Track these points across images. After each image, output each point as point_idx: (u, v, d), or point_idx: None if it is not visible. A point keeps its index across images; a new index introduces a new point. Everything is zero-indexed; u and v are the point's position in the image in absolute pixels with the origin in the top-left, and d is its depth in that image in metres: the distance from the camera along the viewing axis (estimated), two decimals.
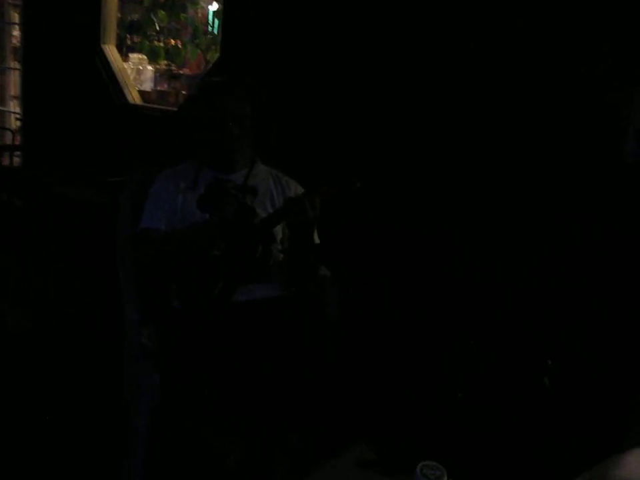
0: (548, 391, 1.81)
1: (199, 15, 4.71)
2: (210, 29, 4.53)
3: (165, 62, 5.00)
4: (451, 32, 2.55)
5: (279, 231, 2.07)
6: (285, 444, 1.70)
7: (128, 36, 4.71)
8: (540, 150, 2.37)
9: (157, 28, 4.70)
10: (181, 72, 5.04)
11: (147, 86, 4.62)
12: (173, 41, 4.66)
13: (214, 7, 4.57)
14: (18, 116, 5.35)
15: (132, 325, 1.92)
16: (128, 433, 1.91)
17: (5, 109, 5.73)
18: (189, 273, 1.91)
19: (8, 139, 5.53)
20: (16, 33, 5.74)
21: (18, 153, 4.99)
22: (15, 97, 5.66)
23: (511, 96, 2.44)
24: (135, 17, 4.83)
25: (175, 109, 4.11)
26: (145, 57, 4.76)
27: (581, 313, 2.10)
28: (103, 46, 4.26)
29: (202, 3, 4.69)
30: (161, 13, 4.65)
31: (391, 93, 2.76)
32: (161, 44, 4.64)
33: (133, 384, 1.92)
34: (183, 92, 4.45)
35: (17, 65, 5.70)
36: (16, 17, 5.68)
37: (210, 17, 4.46)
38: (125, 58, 4.62)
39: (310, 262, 2.07)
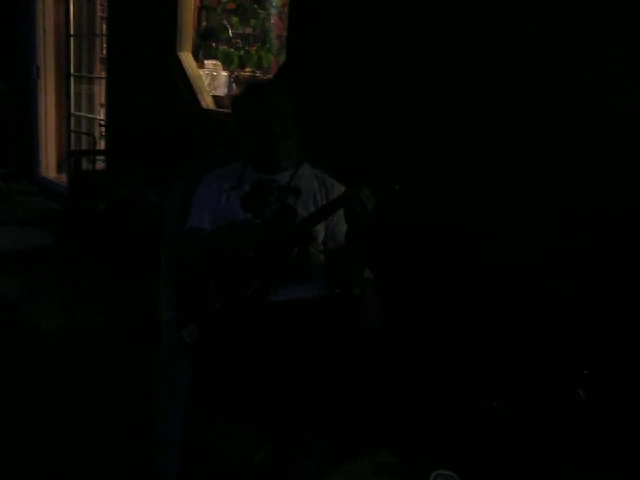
0: (583, 403, 1.70)
1: (271, 20, 4.76)
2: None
3: (249, 69, 5.10)
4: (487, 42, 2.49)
5: (320, 231, 2.06)
6: (310, 445, 1.69)
7: (203, 42, 4.83)
8: (552, 154, 2.29)
9: (230, 34, 4.80)
10: (264, 78, 5.12)
11: (221, 91, 4.72)
12: (246, 47, 4.74)
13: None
14: (102, 122, 5.59)
15: (169, 323, 1.95)
16: (162, 428, 1.94)
17: (93, 116, 6.00)
18: (225, 271, 1.93)
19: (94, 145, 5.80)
20: (105, 44, 6.00)
21: (100, 157, 5.21)
22: (102, 105, 5.92)
23: (524, 103, 2.37)
24: (210, 24, 4.95)
25: None
26: (219, 63, 4.87)
27: (619, 320, 1.97)
28: (179, 53, 4.38)
29: (273, 9, 4.76)
30: (234, 19, 4.75)
31: (432, 103, 2.73)
32: (235, 50, 4.72)
33: (168, 381, 1.95)
34: None
35: (104, 75, 5.96)
36: (105, 29, 5.94)
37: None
38: (201, 64, 4.73)
39: (362, 261, 2.05)
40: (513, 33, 2.38)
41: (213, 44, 4.98)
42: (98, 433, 2.36)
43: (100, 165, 5.22)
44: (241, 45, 5.01)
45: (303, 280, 1.97)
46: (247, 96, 2.13)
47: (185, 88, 4.35)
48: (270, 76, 4.92)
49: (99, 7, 5.91)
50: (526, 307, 2.15)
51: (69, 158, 5.70)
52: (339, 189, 2.16)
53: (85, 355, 2.89)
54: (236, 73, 4.82)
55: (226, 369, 1.81)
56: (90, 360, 2.85)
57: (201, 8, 5.61)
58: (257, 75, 5.04)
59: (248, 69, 5.05)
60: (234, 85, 4.73)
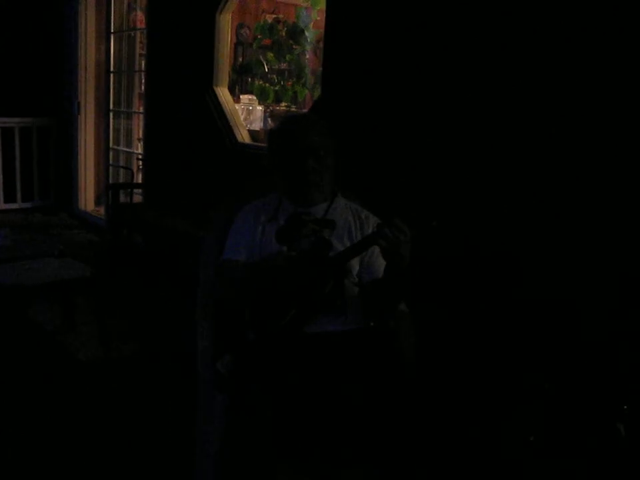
0: (624, 439, 1.66)
1: (306, 55, 4.85)
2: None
3: (284, 104, 5.19)
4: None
5: (355, 264, 2.06)
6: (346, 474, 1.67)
7: (240, 78, 4.92)
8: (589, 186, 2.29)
9: (266, 69, 4.89)
10: (291, 111, 5.19)
11: (257, 125, 4.79)
12: (281, 82, 4.82)
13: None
14: (139, 156, 5.70)
15: (204, 353, 1.96)
16: (198, 458, 1.94)
17: (131, 150, 6.13)
18: (261, 302, 1.94)
19: (131, 179, 5.92)
20: (143, 79, 6.15)
21: (137, 190, 5.30)
22: (139, 139, 6.05)
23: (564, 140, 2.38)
24: (247, 59, 5.06)
25: None
26: (254, 98, 4.95)
27: None
28: (215, 88, 4.46)
29: (308, 45, 4.84)
30: (270, 54, 4.84)
31: (468, 140, 2.74)
32: (270, 85, 4.81)
33: (203, 412, 1.95)
34: None
35: (142, 110, 6.10)
36: (144, 65, 6.10)
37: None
38: (237, 99, 4.82)
39: (398, 294, 2.04)
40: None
41: (249, 79, 5.08)
42: (134, 466, 2.36)
43: (137, 197, 5.31)
44: (276, 80, 5.11)
45: (337, 312, 1.96)
46: (284, 129, 2.16)
47: (221, 122, 4.42)
48: (304, 110, 5.00)
49: (138, 44, 6.08)
50: (566, 343, 2.12)
51: (107, 191, 5.82)
52: (373, 221, 2.16)
53: (121, 386, 2.91)
54: (271, 108, 4.90)
55: (262, 398, 1.81)
56: (126, 390, 2.87)
57: (237, 44, 5.74)
58: (292, 109, 5.12)
59: (283, 104, 5.13)
60: (269, 119, 4.81)
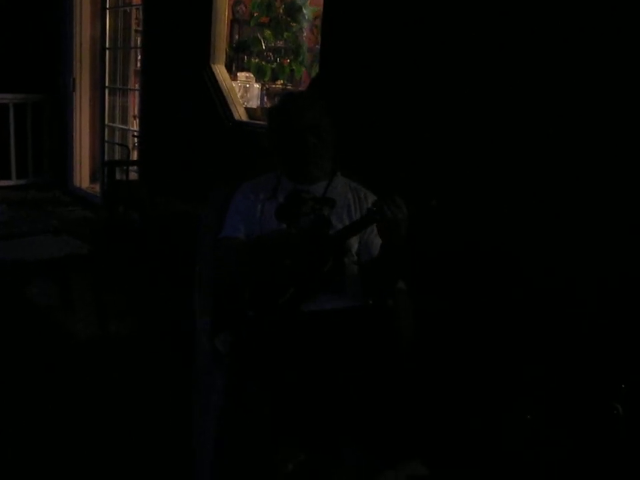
0: (621, 419, 1.67)
1: (304, 33, 4.81)
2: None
3: (280, 81, 5.16)
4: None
5: (354, 242, 2.07)
6: (343, 456, 1.69)
7: (237, 55, 4.89)
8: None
9: (263, 47, 4.85)
10: (287, 88, 5.17)
11: (254, 103, 4.77)
12: (278, 59, 4.79)
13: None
14: (135, 134, 5.67)
15: (203, 332, 1.97)
16: (196, 436, 1.95)
17: (126, 127, 6.09)
18: (259, 280, 1.95)
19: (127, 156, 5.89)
20: (139, 56, 6.11)
21: (133, 168, 5.28)
22: (135, 117, 6.01)
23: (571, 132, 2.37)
24: (244, 37, 5.02)
25: None
26: (251, 75, 4.92)
27: None
28: (212, 65, 4.43)
29: (306, 22, 4.80)
30: (267, 32, 4.80)
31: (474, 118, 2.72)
32: (267, 63, 4.78)
33: (201, 389, 1.96)
34: None
35: (137, 87, 6.06)
36: (139, 42, 6.05)
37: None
38: (233, 77, 4.79)
39: (396, 272, 2.05)
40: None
41: (245, 57, 5.05)
42: (132, 442, 2.36)
43: (132, 174, 5.29)
44: (272, 58, 5.07)
45: (336, 290, 1.97)
46: (283, 107, 2.15)
47: (219, 100, 4.39)
48: (301, 88, 4.97)
49: (134, 21, 6.02)
50: (563, 322, 2.13)
51: (103, 168, 5.80)
52: (372, 200, 2.16)
53: (119, 364, 2.91)
54: (267, 86, 4.87)
55: (260, 377, 1.82)
56: (124, 368, 2.87)
57: (233, 21, 5.69)
58: (288, 87, 5.09)
59: (279, 82, 5.11)
60: (266, 97, 4.78)
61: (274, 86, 5.06)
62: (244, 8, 6.18)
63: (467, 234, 2.58)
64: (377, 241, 2.02)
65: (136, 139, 5.54)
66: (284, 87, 4.83)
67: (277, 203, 2.10)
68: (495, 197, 2.59)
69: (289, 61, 4.73)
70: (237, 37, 5.06)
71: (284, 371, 1.80)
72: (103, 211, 5.75)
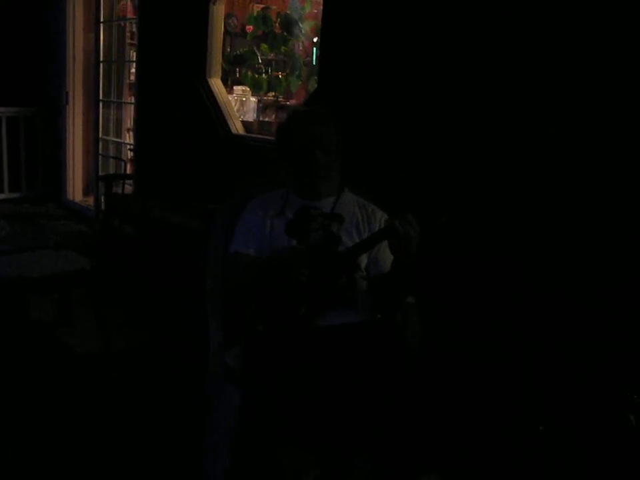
0: (634, 429, 1.69)
1: (300, 47, 4.84)
2: (313, 61, 4.66)
3: (272, 93, 5.19)
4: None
5: (363, 257, 2.08)
6: (359, 468, 1.70)
7: (232, 69, 4.90)
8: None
9: (260, 60, 4.88)
10: (287, 103, 5.21)
11: (250, 116, 4.79)
12: (275, 73, 4.81)
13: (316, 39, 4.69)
14: (130, 147, 5.67)
15: (216, 346, 1.97)
16: (207, 451, 1.96)
17: (121, 140, 6.09)
18: (273, 296, 1.96)
19: (120, 169, 5.89)
20: (133, 70, 6.12)
21: (129, 181, 5.27)
22: (129, 130, 6.02)
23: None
24: (240, 50, 5.03)
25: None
26: (248, 89, 4.94)
27: None
28: (208, 79, 4.45)
29: (302, 36, 4.83)
30: (264, 46, 4.83)
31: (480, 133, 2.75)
32: (264, 76, 4.80)
33: (214, 404, 1.97)
34: None
35: (132, 100, 6.07)
36: (133, 56, 6.06)
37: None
38: (230, 90, 4.80)
39: (405, 288, 2.06)
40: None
41: (239, 70, 5.06)
42: (140, 460, 2.35)
43: (128, 188, 5.28)
44: (263, 70, 5.09)
45: (346, 305, 1.99)
46: (292, 123, 2.17)
47: (215, 113, 4.41)
48: (293, 101, 5.00)
49: (127, 34, 6.04)
50: (576, 333, 2.15)
51: (97, 182, 5.79)
52: (380, 215, 2.18)
53: (122, 379, 2.91)
54: (260, 99, 4.89)
55: (273, 390, 1.83)
56: (127, 384, 2.87)
57: (225, 34, 5.71)
58: (279, 99, 5.12)
59: (270, 94, 5.13)
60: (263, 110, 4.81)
61: (266, 98, 5.08)
62: (235, 21, 6.20)
63: (469, 242, 2.60)
64: (386, 256, 2.04)
65: (131, 152, 5.53)
66: (275, 99, 4.85)
67: (286, 219, 2.12)
68: (497, 205, 2.62)
69: (284, 74, 4.76)
70: (228, 49, 5.08)
71: (297, 384, 1.81)
72: (97, 224, 5.74)
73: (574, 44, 2.40)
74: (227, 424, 1.89)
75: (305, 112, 2.17)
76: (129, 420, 2.58)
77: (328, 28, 3.53)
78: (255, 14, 4.94)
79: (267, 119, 4.92)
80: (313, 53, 4.67)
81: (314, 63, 4.51)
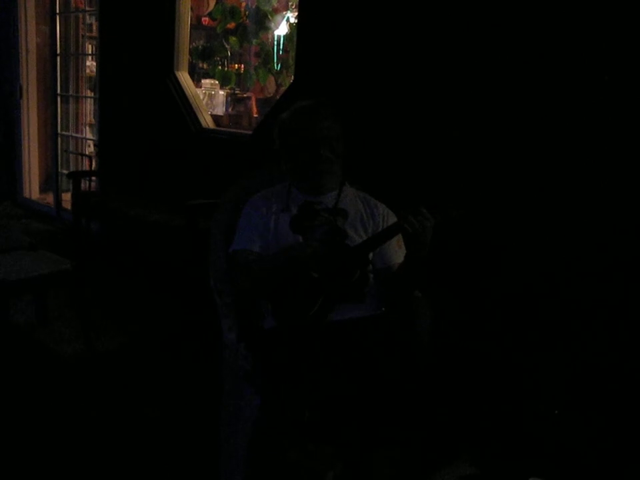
0: None
1: (270, 39, 4.79)
2: (281, 52, 4.62)
3: (230, 87, 5.13)
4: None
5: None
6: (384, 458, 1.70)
7: (200, 62, 4.83)
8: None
9: (229, 54, 4.81)
10: (245, 95, 5.17)
11: (219, 110, 4.72)
12: (243, 66, 4.76)
13: (282, 30, 4.65)
14: (93, 142, 5.53)
15: (230, 346, 1.95)
16: (224, 451, 1.93)
17: (81, 136, 5.93)
18: (286, 292, 1.94)
19: (81, 165, 5.74)
20: (89, 63, 5.97)
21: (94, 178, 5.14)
22: (89, 124, 5.87)
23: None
24: (206, 43, 4.95)
25: (246, 131, 4.21)
26: (216, 82, 4.86)
27: None
28: (176, 72, 4.37)
29: (273, 28, 4.78)
30: (232, 39, 4.76)
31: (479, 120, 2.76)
32: (232, 69, 4.74)
33: (230, 404, 1.94)
34: (255, 115, 4.56)
35: (89, 94, 5.92)
36: (89, 48, 5.91)
37: (281, 41, 4.54)
38: (197, 84, 4.72)
39: (418, 281, 2.06)
40: None
41: (206, 63, 4.99)
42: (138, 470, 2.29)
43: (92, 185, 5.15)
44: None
45: (357, 300, 1.99)
46: (294, 117, 2.14)
47: (184, 107, 4.34)
48: (249, 94, 4.93)
49: (80, 27, 5.88)
50: (589, 324, 2.20)
51: (57, 179, 5.63)
52: (382, 209, 2.19)
53: (113, 381, 2.84)
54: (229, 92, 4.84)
55: (289, 388, 1.82)
56: (117, 386, 2.80)
57: (191, 27, 5.61)
58: (237, 92, 5.05)
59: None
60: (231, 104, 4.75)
61: (236, 92, 5.02)
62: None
63: (475, 235, 2.62)
64: (391, 250, 2.05)
65: (93, 148, 5.39)
66: (242, 93, 4.77)
67: (289, 214, 2.10)
68: (502, 201, 2.64)
69: (255, 67, 4.70)
70: (193, 43, 5.00)
71: (314, 379, 1.81)
72: (59, 223, 5.60)
73: (576, 44, 2.43)
74: (245, 422, 1.86)
75: (310, 106, 2.13)
76: (121, 425, 2.52)
77: (306, 16, 3.49)
78: (220, 6, 4.85)
79: (231, 112, 4.86)
80: (280, 44, 4.63)
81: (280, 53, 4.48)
